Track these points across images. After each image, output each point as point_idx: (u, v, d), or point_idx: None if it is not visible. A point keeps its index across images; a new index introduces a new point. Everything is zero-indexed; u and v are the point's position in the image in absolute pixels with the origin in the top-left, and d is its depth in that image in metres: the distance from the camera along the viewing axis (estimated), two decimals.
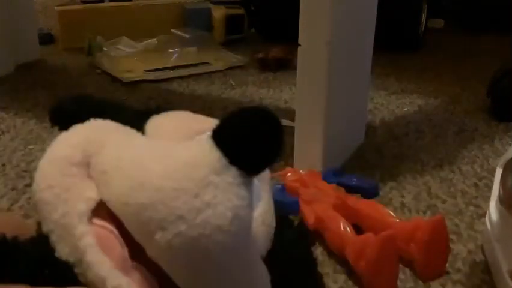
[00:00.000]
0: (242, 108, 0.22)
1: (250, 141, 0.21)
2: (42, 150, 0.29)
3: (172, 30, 1.36)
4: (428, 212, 0.60)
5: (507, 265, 0.46)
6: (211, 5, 1.47)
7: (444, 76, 1.17)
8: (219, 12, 1.43)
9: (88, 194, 0.23)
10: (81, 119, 0.27)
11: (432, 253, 0.49)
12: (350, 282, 0.47)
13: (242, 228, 0.21)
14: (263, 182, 0.28)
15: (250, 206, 0.22)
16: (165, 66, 1.18)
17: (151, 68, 1.16)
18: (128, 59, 1.21)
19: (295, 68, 0.66)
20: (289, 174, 0.62)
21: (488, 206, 0.55)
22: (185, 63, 1.20)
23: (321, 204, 0.55)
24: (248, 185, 0.22)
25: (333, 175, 0.63)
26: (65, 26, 1.36)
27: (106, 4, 1.55)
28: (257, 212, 0.26)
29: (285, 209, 0.54)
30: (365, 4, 0.73)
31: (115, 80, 1.10)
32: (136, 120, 0.28)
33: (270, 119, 0.22)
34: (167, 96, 1.02)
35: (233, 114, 0.22)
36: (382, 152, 0.76)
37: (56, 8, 1.39)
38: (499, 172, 0.55)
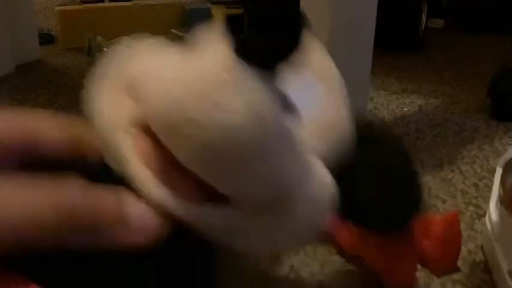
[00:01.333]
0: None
1: (260, 36, 0.21)
2: None
3: (172, 30, 1.36)
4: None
5: (507, 265, 0.46)
6: (211, 5, 1.47)
7: (444, 76, 1.17)
8: (218, 12, 1.43)
9: (129, 109, 0.24)
10: None
11: (445, 249, 0.49)
12: None
13: (261, 123, 0.21)
14: (331, 88, 0.28)
15: (273, 102, 0.21)
16: None
17: None
18: None
19: None
20: None
21: (488, 206, 0.55)
22: None
23: None
24: (266, 80, 0.21)
25: None
26: (65, 26, 1.36)
27: (106, 4, 1.55)
28: (314, 113, 0.26)
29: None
30: (365, 4, 0.73)
31: None
32: None
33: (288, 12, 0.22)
34: None
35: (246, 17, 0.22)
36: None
37: (56, 8, 1.39)
38: (499, 172, 0.55)
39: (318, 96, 0.26)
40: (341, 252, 0.49)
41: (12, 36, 1.16)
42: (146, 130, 0.23)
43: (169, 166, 0.22)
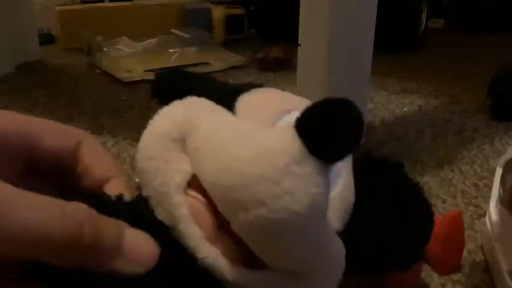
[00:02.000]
0: (325, 99, 0.23)
1: (330, 131, 0.23)
2: None
3: (172, 30, 1.36)
4: None
5: (507, 265, 0.46)
6: (211, 5, 1.47)
7: (444, 76, 1.17)
8: (219, 12, 1.43)
9: (184, 167, 0.26)
10: (179, 93, 0.30)
11: (449, 248, 0.49)
12: None
13: (318, 213, 0.23)
14: (347, 161, 0.29)
15: (328, 192, 0.24)
16: (165, 66, 1.18)
17: (151, 68, 1.16)
18: (128, 59, 1.21)
19: (295, 68, 0.66)
20: None
21: (488, 206, 0.55)
22: (185, 63, 1.20)
23: None
24: (327, 173, 0.23)
25: None
26: (65, 26, 1.36)
27: (106, 4, 1.55)
28: (335, 191, 0.28)
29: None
30: (365, 4, 0.73)
31: (115, 80, 1.10)
32: (230, 97, 0.30)
33: (350, 110, 0.23)
34: None
35: (316, 104, 0.23)
36: (382, 152, 0.76)
37: (56, 8, 1.39)
38: (499, 172, 0.55)
39: (337, 171, 0.28)
40: None
41: (12, 36, 1.16)
42: (199, 187, 0.25)
43: (219, 227, 0.25)
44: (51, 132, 0.27)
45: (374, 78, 0.83)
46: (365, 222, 0.29)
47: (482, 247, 0.53)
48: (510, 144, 0.79)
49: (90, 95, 1.01)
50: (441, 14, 1.65)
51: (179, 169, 0.26)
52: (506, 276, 0.45)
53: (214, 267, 0.25)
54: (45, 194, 0.22)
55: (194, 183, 0.25)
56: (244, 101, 0.29)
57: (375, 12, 0.76)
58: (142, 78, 1.10)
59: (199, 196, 0.25)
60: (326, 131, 0.23)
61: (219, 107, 0.28)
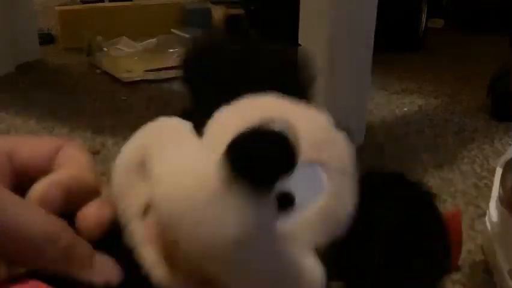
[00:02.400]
0: (253, 127, 0.23)
1: (256, 158, 0.23)
2: None
3: (172, 30, 1.36)
4: None
5: (507, 265, 0.46)
6: (211, 5, 1.47)
7: (444, 76, 1.17)
8: (219, 12, 1.43)
9: (143, 192, 0.27)
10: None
11: None
12: None
13: (250, 240, 0.24)
14: (336, 174, 0.28)
15: (264, 217, 0.24)
16: (165, 66, 1.18)
17: (151, 68, 1.16)
18: (128, 59, 1.21)
19: None
20: None
21: (488, 206, 0.55)
22: None
23: None
24: (260, 197, 0.24)
25: None
26: (65, 26, 1.36)
27: (106, 4, 1.55)
28: (313, 206, 0.27)
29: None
30: (365, 4, 0.73)
31: (115, 80, 1.10)
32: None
33: (275, 137, 0.23)
34: (167, 96, 1.02)
35: (244, 131, 0.23)
36: (382, 152, 0.76)
37: (56, 8, 1.40)
38: (499, 172, 0.55)
39: (319, 186, 0.28)
40: None
41: (12, 36, 1.16)
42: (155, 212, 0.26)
43: (172, 251, 0.26)
44: (27, 143, 0.28)
45: (374, 78, 0.83)
46: (369, 252, 0.29)
47: (482, 247, 0.53)
48: (510, 144, 0.79)
49: (90, 95, 1.01)
50: (441, 14, 1.65)
51: (138, 195, 0.27)
52: (506, 276, 0.45)
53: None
54: None
55: (153, 209, 0.26)
56: (216, 118, 0.29)
57: (375, 12, 0.76)
58: (142, 78, 1.10)
59: (154, 221, 0.26)
60: (249, 156, 0.23)
61: (185, 129, 0.28)
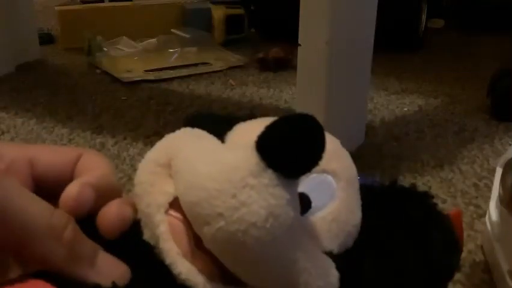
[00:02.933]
0: (286, 115, 0.24)
1: (286, 144, 0.24)
2: None
3: (172, 30, 1.36)
4: None
5: (507, 265, 0.46)
6: (211, 5, 1.47)
7: (444, 76, 1.17)
8: (219, 12, 1.43)
9: (167, 189, 0.27)
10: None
11: None
12: None
13: (278, 224, 0.24)
14: (346, 184, 0.30)
15: (291, 206, 0.25)
16: (165, 66, 1.18)
17: (151, 68, 1.16)
18: (128, 59, 1.21)
19: (295, 68, 0.66)
20: None
21: (488, 206, 0.55)
22: (185, 63, 1.20)
23: None
24: (287, 186, 0.24)
25: None
26: (65, 26, 1.36)
27: (106, 4, 1.55)
28: (327, 210, 0.28)
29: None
30: (365, 4, 0.73)
31: (115, 80, 1.10)
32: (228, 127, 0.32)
33: (310, 125, 0.24)
34: (167, 96, 1.02)
35: (276, 120, 0.24)
36: (382, 152, 0.76)
37: (56, 8, 1.40)
38: (499, 172, 0.55)
39: (332, 193, 0.29)
40: None
41: (12, 36, 1.16)
42: (179, 207, 0.26)
43: (196, 245, 0.26)
44: (48, 151, 0.29)
45: (374, 78, 0.83)
46: (379, 259, 0.29)
47: (482, 247, 0.53)
48: (510, 144, 0.79)
49: (90, 95, 1.01)
50: (442, 14, 1.65)
51: (163, 191, 0.27)
52: (506, 276, 0.45)
53: (189, 283, 0.26)
54: None
55: (176, 204, 0.27)
56: (236, 128, 0.31)
57: (375, 12, 0.76)
58: (142, 78, 1.10)
59: (179, 215, 0.27)
60: (282, 144, 0.24)
61: (207, 135, 0.29)
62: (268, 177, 0.24)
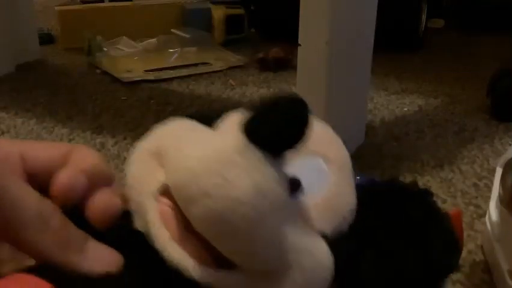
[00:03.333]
0: (272, 96, 0.25)
1: (270, 123, 0.24)
2: None
3: (172, 30, 1.36)
4: None
5: (507, 265, 0.46)
6: (211, 5, 1.47)
7: (444, 76, 1.17)
8: (219, 12, 1.43)
9: (158, 177, 0.27)
10: None
11: None
12: None
13: (265, 201, 0.24)
14: (337, 169, 0.30)
15: (278, 183, 0.25)
16: (165, 66, 1.18)
17: (151, 68, 1.16)
18: (128, 59, 1.21)
19: (295, 68, 0.66)
20: None
21: (488, 206, 0.55)
22: (185, 63, 1.20)
23: None
24: (274, 164, 0.25)
25: None
26: (65, 26, 1.36)
27: (106, 4, 1.55)
28: (318, 194, 0.28)
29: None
30: (365, 4, 0.73)
31: (115, 80, 1.10)
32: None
33: (293, 104, 0.25)
34: (167, 96, 1.02)
35: (262, 101, 0.25)
36: (382, 152, 0.76)
37: (56, 8, 1.39)
38: (499, 172, 0.55)
39: (323, 176, 0.29)
40: None
41: (12, 36, 1.16)
42: (170, 195, 0.26)
43: (187, 230, 0.26)
44: (39, 146, 0.29)
45: (374, 78, 0.83)
46: (378, 258, 0.29)
47: (482, 247, 0.53)
48: (510, 144, 0.79)
49: (90, 95, 1.01)
50: (442, 14, 1.65)
51: (154, 179, 0.27)
52: (506, 276, 0.45)
53: (180, 267, 0.25)
54: None
55: (167, 192, 0.27)
56: (227, 117, 0.31)
57: (375, 12, 0.76)
58: (142, 78, 1.10)
59: (169, 202, 0.27)
60: (265, 122, 0.24)
61: (198, 125, 0.30)
62: (254, 154, 0.24)
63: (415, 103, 0.99)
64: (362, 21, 0.73)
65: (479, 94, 0.99)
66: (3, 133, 0.83)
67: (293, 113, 0.24)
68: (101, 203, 0.26)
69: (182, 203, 0.25)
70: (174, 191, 0.26)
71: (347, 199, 0.29)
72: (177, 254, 0.26)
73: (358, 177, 0.65)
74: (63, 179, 0.26)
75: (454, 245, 0.32)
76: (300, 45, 0.63)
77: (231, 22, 1.44)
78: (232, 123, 0.28)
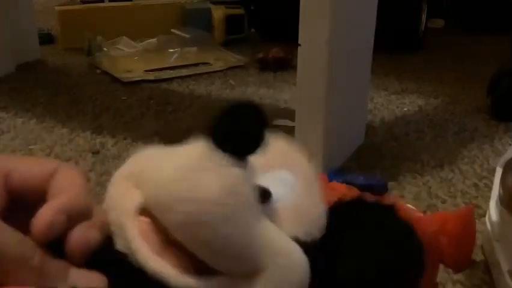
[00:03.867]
0: (231, 104, 0.27)
1: (232, 129, 0.27)
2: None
3: (172, 30, 1.36)
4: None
5: (507, 265, 0.46)
6: (211, 5, 1.47)
7: (444, 76, 1.17)
8: (219, 12, 1.43)
9: (135, 198, 0.29)
10: None
11: (462, 245, 0.49)
12: None
13: (234, 199, 0.26)
14: (304, 180, 0.32)
15: (245, 184, 0.27)
16: (165, 66, 1.18)
17: (151, 68, 1.16)
18: (128, 59, 1.21)
19: (295, 68, 0.66)
20: None
21: (488, 206, 0.55)
22: (185, 63, 1.20)
23: None
24: (239, 167, 0.27)
25: (336, 175, 0.63)
26: (65, 26, 1.36)
27: (106, 4, 1.55)
28: (287, 202, 0.30)
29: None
30: (365, 4, 0.73)
31: (115, 80, 1.10)
32: None
33: (251, 111, 0.27)
34: (167, 96, 1.02)
35: (223, 109, 0.27)
36: (382, 152, 0.76)
37: (56, 8, 1.40)
38: (499, 172, 0.55)
39: (291, 187, 0.31)
40: None
41: (12, 36, 1.16)
42: (148, 213, 0.28)
43: (166, 243, 0.27)
44: (23, 164, 0.29)
45: (374, 78, 0.83)
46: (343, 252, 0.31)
47: (482, 247, 0.53)
48: (510, 144, 0.79)
49: (90, 95, 1.01)
50: (442, 14, 1.65)
51: (131, 200, 0.29)
52: (506, 276, 0.45)
53: (162, 278, 0.27)
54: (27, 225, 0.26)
55: (145, 211, 0.28)
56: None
57: (375, 12, 0.76)
58: (142, 78, 1.10)
59: (147, 219, 0.28)
60: (228, 129, 0.27)
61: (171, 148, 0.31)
62: (220, 157, 0.26)
63: (415, 103, 0.99)
64: (362, 21, 0.73)
65: (479, 94, 0.99)
66: (3, 133, 0.83)
67: (252, 118, 0.27)
68: (79, 239, 0.27)
69: (159, 213, 0.27)
70: (151, 204, 0.27)
71: (316, 207, 0.31)
72: (159, 264, 0.27)
73: (362, 178, 0.66)
74: (43, 220, 0.26)
75: (410, 250, 0.33)
76: (300, 45, 0.63)
77: (231, 22, 1.44)
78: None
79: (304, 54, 0.64)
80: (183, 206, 0.25)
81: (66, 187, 0.29)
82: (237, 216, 0.26)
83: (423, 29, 1.40)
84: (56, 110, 0.93)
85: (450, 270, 0.50)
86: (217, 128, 0.27)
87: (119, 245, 0.28)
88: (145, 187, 0.28)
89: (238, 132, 0.27)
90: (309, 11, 0.62)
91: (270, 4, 1.46)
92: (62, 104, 0.97)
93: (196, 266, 0.27)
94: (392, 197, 0.64)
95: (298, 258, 0.28)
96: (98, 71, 1.16)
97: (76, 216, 0.27)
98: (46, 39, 1.38)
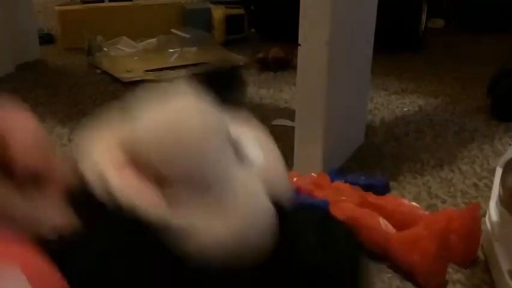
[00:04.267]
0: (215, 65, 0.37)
1: (216, 82, 0.34)
2: None
3: (172, 30, 1.36)
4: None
5: (507, 265, 0.46)
6: (211, 5, 1.47)
7: (444, 76, 1.17)
8: (219, 12, 1.43)
9: (117, 153, 0.32)
10: None
11: (469, 241, 0.50)
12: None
13: (210, 118, 0.31)
14: (267, 152, 0.35)
15: (221, 117, 0.32)
16: (165, 66, 1.18)
17: (151, 68, 1.16)
18: (128, 59, 1.21)
19: (295, 68, 0.66)
20: (295, 179, 0.61)
21: (488, 206, 0.55)
22: (185, 63, 1.20)
23: (347, 204, 0.55)
24: (219, 107, 0.32)
25: (336, 175, 0.63)
26: (65, 26, 1.36)
27: (106, 4, 1.55)
28: (258, 164, 0.33)
29: (317, 210, 0.54)
30: (365, 4, 0.73)
31: (115, 80, 1.10)
32: None
33: (230, 70, 0.38)
34: None
35: (210, 67, 0.38)
36: (382, 152, 0.76)
37: (56, 8, 1.40)
38: (499, 172, 0.55)
39: (260, 152, 0.34)
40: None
41: (12, 36, 1.16)
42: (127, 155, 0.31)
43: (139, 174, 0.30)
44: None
45: (374, 78, 0.83)
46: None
47: (482, 247, 0.53)
48: (510, 144, 0.79)
49: (90, 95, 1.01)
50: (442, 14, 1.65)
51: (114, 154, 0.32)
52: (506, 276, 0.45)
53: (133, 208, 0.29)
54: None
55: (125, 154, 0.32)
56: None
57: (375, 12, 0.76)
58: (142, 78, 1.10)
59: (122, 157, 0.31)
60: (213, 77, 0.35)
61: None
62: (205, 101, 0.31)
63: (415, 103, 0.99)
64: (362, 21, 0.73)
65: (479, 94, 0.99)
66: None
67: (231, 72, 0.38)
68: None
69: (147, 148, 0.30)
70: (144, 143, 0.31)
71: (281, 178, 0.34)
72: (130, 193, 0.29)
73: (363, 178, 0.66)
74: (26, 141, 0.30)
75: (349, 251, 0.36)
76: (300, 45, 0.63)
77: (231, 22, 1.44)
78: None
79: (304, 54, 0.64)
80: (167, 128, 0.30)
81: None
82: (212, 133, 0.31)
83: (423, 29, 1.40)
84: (56, 110, 0.93)
85: (450, 270, 0.50)
86: (205, 77, 0.34)
87: (98, 194, 0.30)
88: (142, 131, 0.31)
89: (220, 75, 0.36)
90: (309, 11, 0.62)
91: (270, 4, 1.46)
92: (62, 104, 0.97)
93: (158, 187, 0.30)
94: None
95: (266, 203, 0.31)
96: (98, 71, 1.16)
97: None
98: (46, 39, 1.38)
